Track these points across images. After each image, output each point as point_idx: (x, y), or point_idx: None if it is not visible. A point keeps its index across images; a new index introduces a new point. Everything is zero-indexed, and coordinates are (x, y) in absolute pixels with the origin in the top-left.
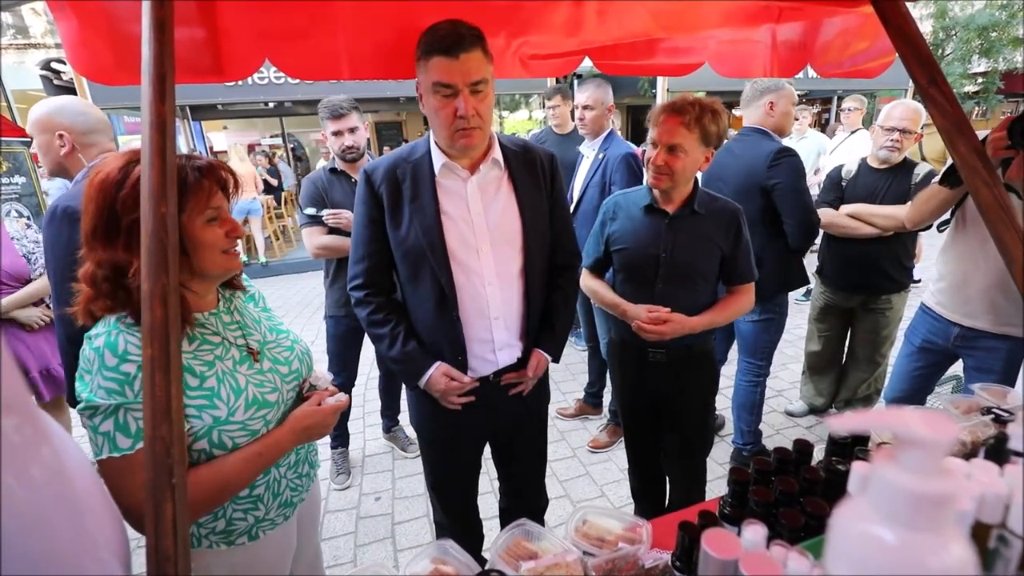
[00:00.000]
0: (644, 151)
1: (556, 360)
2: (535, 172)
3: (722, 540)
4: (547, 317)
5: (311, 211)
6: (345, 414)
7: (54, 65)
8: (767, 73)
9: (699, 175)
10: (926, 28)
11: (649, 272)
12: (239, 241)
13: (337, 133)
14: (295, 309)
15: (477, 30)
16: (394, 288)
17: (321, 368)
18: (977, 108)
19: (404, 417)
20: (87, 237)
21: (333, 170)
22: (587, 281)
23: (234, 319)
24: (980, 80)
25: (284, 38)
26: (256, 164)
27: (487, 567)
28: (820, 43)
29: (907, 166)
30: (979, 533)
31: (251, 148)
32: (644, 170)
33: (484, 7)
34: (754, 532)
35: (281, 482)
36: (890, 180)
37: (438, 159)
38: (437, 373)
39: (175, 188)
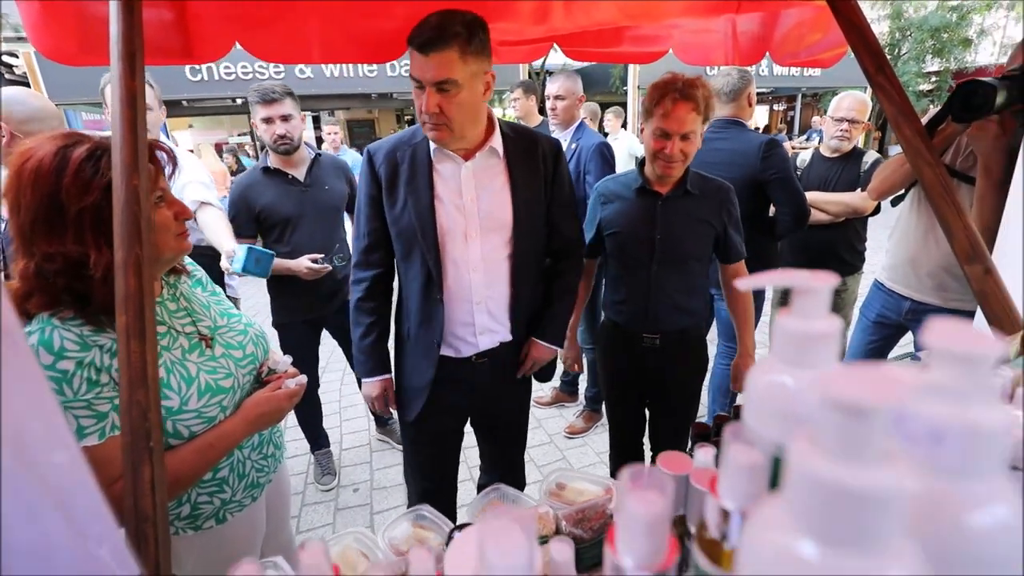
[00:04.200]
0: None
1: (560, 346)
2: (535, 160)
3: (675, 460)
4: (547, 305)
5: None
6: (317, 416)
7: (6, 59)
8: (729, 62)
9: None
10: (883, 28)
11: (643, 255)
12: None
13: (268, 120)
14: (267, 309)
15: (464, 26)
16: (392, 264)
17: (279, 351)
18: (932, 106)
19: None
20: (22, 231)
21: (266, 169)
22: None
23: (180, 306)
24: (934, 79)
25: (254, 20)
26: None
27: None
28: (778, 34)
29: (856, 154)
30: None
31: (219, 147)
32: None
33: None
34: (705, 453)
35: (246, 463)
36: (841, 168)
37: (434, 143)
38: (380, 383)
39: (147, 161)
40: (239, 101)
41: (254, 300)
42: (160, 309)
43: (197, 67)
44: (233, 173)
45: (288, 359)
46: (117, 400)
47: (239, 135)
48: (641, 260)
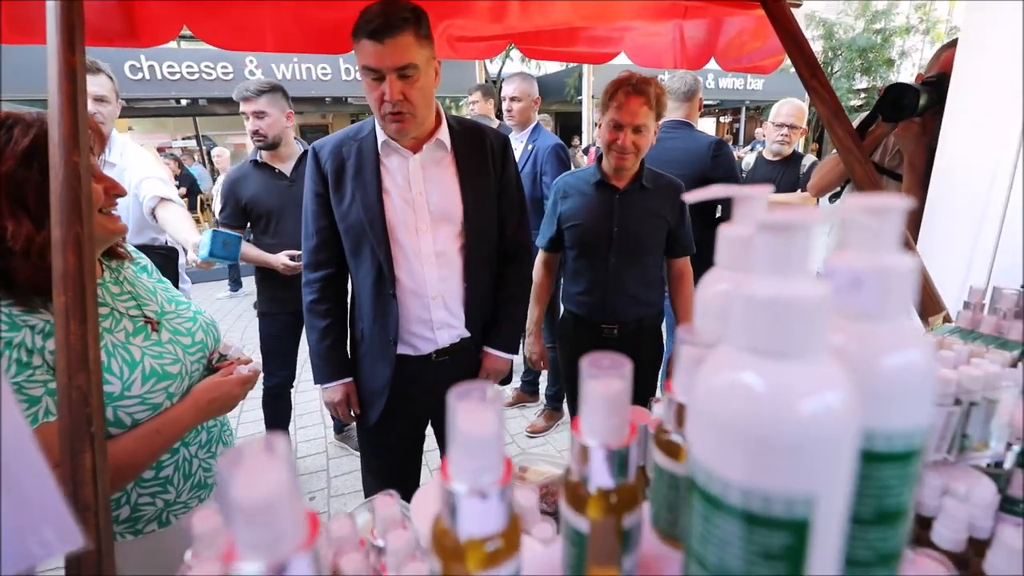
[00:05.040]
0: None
1: (513, 353)
2: (484, 153)
3: (636, 414)
4: (495, 315)
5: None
6: (286, 418)
7: None
8: (677, 65)
9: None
10: (817, 48)
11: (602, 247)
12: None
13: (246, 116)
14: (218, 315)
15: (411, 12)
16: (343, 263)
17: (231, 338)
18: None
19: None
20: None
21: (255, 162)
22: (538, 268)
23: (124, 289)
24: (863, 95)
25: (204, 2)
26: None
27: None
28: (723, 41)
29: (796, 158)
30: None
31: (160, 152)
32: (576, 157)
33: None
34: (660, 407)
35: (192, 462)
36: (783, 171)
37: (380, 137)
38: (342, 387)
39: (87, 137)
40: (184, 102)
41: (205, 307)
42: (102, 291)
43: (138, 65)
44: (177, 177)
45: (241, 346)
46: (52, 384)
47: (183, 139)
48: (600, 252)
